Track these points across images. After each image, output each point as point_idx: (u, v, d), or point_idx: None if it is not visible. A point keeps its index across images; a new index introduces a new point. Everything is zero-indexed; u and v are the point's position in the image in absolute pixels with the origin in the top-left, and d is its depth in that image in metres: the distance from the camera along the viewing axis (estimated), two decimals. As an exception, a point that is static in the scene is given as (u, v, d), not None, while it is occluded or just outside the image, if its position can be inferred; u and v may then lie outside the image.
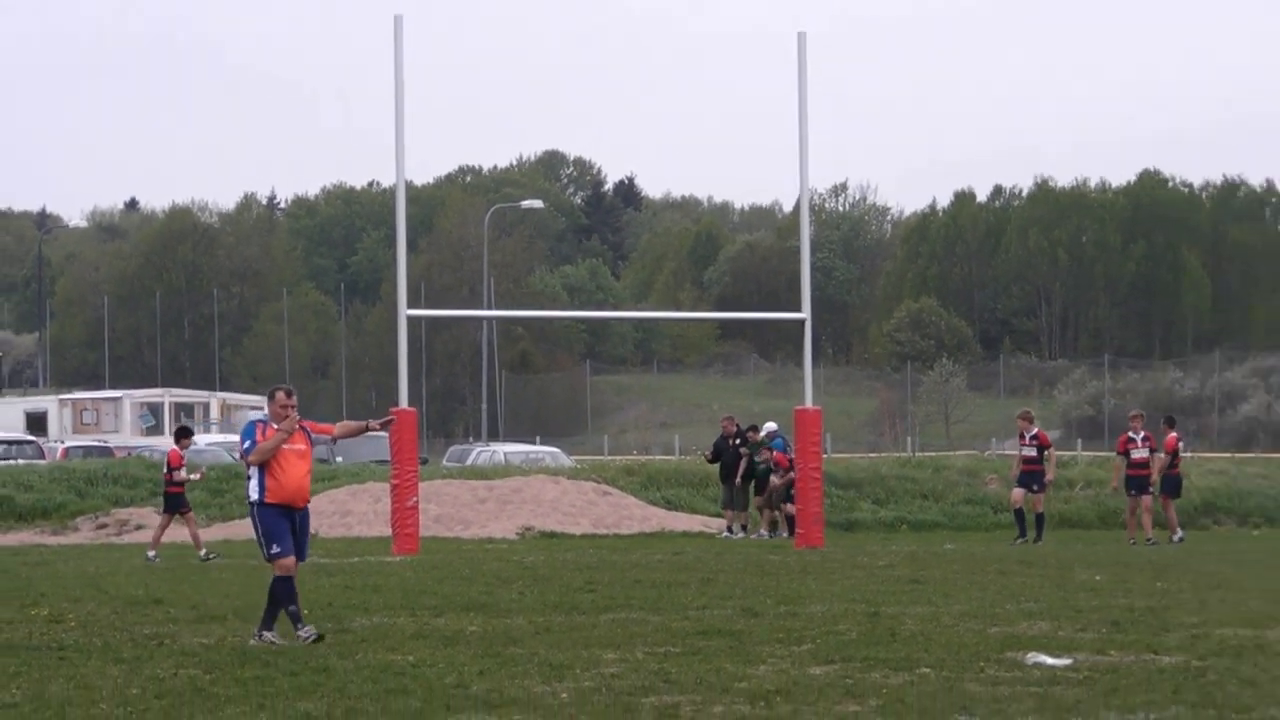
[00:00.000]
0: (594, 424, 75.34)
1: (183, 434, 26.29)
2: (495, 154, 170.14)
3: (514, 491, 32.95)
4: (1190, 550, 27.37)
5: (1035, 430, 28.34)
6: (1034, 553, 26.00)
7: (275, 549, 13.18)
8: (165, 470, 25.00)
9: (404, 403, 26.23)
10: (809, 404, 28.52)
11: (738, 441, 30.31)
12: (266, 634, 13.12)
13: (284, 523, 13.29)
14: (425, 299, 67.22)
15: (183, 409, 60.87)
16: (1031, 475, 27.72)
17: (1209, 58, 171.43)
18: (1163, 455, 28.92)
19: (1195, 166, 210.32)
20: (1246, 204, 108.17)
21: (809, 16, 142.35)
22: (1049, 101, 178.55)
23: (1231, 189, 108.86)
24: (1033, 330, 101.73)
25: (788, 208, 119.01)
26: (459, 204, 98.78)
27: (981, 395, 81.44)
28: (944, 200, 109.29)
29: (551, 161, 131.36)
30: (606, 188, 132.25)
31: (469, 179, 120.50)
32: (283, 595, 13.17)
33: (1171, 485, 28.97)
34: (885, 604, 17.22)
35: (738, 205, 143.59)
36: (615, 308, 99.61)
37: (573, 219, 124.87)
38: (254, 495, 13.35)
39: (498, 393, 71.16)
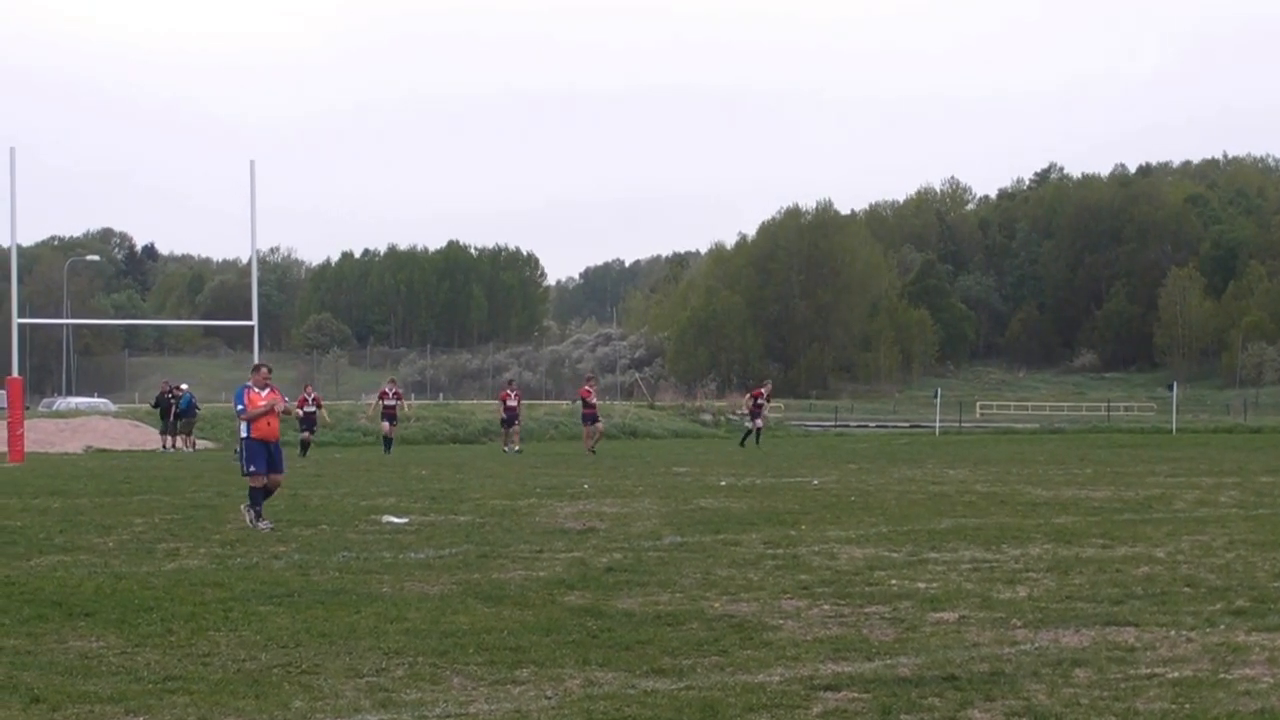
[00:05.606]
0: (130, 386, 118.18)
1: None
2: (72, 227, 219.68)
3: (81, 424, 51.36)
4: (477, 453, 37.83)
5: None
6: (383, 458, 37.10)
7: (252, 468, 19.03)
8: None
9: (14, 373, 40.28)
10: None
11: (169, 395, 47.87)
12: (259, 522, 18.65)
13: (263, 452, 19.07)
14: (30, 312, 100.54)
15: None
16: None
17: None
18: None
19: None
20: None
21: None
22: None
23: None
24: (384, 331, 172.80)
25: (243, 260, 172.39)
26: (49, 258, 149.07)
27: (358, 368, 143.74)
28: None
29: (106, 234, 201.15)
30: (138, 249, 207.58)
31: (55, 243, 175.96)
32: (256, 497, 18.92)
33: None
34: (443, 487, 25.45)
35: (216, 259, 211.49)
36: (143, 318, 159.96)
37: (118, 267, 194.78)
38: (244, 434, 19.16)
39: (72, 365, 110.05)
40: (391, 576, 13.77)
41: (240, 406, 19.32)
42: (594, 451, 41.21)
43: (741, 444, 47.35)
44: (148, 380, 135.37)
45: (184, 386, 48.99)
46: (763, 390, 49.26)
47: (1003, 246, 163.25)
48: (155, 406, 49.91)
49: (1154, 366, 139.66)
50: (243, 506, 19.18)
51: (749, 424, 48.44)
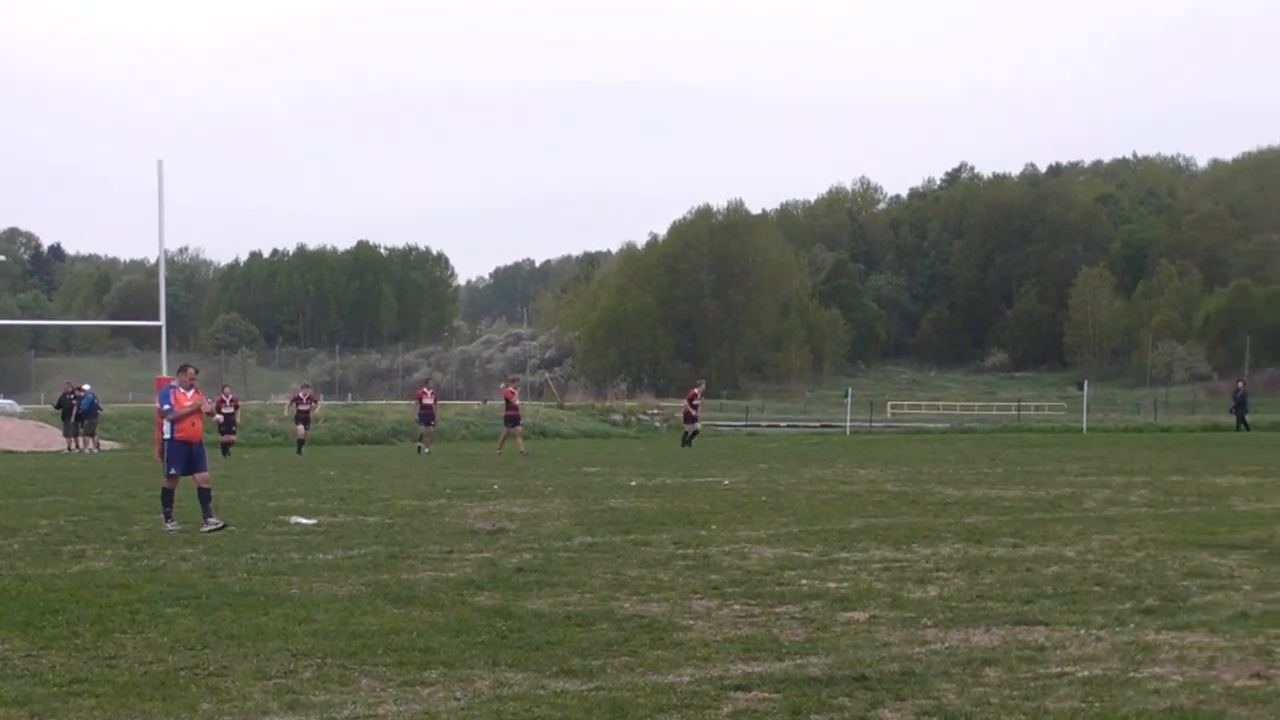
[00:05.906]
0: (36, 386, 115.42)
1: None
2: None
3: (-16, 425, 51.55)
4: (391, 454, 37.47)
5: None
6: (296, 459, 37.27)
7: (172, 470, 18.95)
8: None
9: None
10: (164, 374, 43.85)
11: (71, 396, 47.72)
12: (168, 524, 18.56)
13: (184, 453, 18.92)
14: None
15: None
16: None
17: None
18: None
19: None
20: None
21: None
22: None
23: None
24: (293, 331, 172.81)
25: (151, 260, 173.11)
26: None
27: (267, 368, 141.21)
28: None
29: (12, 234, 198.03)
30: (44, 249, 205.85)
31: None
32: (167, 499, 18.85)
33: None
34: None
35: (123, 259, 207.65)
36: (49, 318, 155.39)
37: (24, 266, 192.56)
38: (167, 435, 19.02)
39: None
40: (300, 578, 13.70)
41: (167, 406, 19.22)
42: (526, 453, 40.41)
43: (683, 445, 48.05)
44: (54, 381, 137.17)
45: (86, 387, 48.49)
46: (695, 391, 49.80)
47: (914, 246, 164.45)
48: (58, 407, 49.44)
49: (1064, 366, 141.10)
50: (205, 520, 18.80)
51: (687, 426, 48.95)
